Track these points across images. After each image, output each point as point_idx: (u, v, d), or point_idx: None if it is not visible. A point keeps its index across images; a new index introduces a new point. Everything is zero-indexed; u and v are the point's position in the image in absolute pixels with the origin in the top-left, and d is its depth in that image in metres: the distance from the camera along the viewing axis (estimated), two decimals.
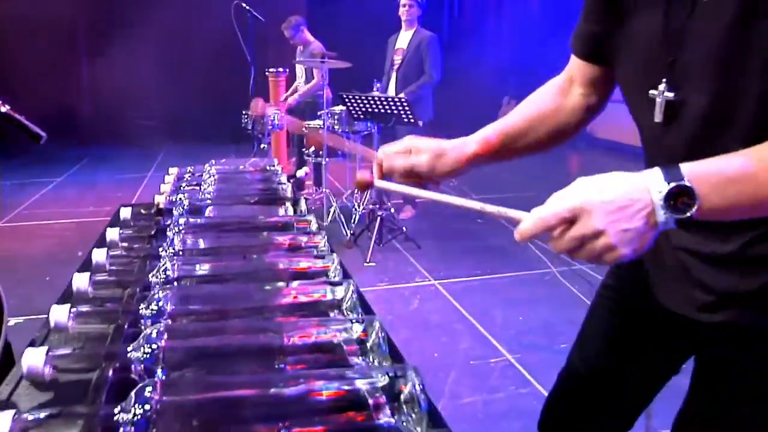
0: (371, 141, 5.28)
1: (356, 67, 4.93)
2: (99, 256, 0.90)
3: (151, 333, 0.65)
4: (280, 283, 0.83)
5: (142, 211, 1.22)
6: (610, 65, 1.09)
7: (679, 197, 0.75)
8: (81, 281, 0.75)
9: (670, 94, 0.92)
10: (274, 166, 1.63)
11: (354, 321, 0.74)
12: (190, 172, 1.58)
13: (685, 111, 0.91)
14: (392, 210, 5.05)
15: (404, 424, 0.56)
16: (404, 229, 4.85)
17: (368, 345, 0.69)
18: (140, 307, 0.72)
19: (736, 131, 0.85)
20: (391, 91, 5.39)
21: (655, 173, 0.77)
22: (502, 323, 3.46)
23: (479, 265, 4.40)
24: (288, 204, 1.30)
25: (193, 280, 0.83)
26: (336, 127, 5.23)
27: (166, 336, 0.65)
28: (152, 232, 1.07)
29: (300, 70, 6.30)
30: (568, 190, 0.79)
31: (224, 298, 0.76)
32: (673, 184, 0.75)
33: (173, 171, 1.58)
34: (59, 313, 0.70)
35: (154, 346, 0.64)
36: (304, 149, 5.62)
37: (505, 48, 10.85)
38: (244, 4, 4.84)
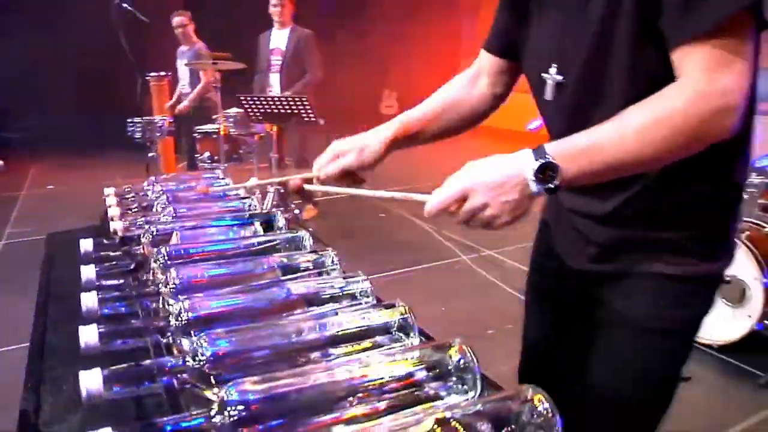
0: (270, 142, 5.16)
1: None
2: (89, 300, 0.79)
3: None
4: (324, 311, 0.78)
5: (104, 241, 1.10)
6: (515, 59, 1.26)
7: (545, 171, 0.90)
8: (90, 335, 0.65)
9: (558, 77, 1.09)
10: (220, 178, 1.53)
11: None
12: (129, 190, 1.44)
13: (568, 90, 1.08)
14: (296, 211, 4.95)
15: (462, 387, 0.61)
16: (309, 229, 4.77)
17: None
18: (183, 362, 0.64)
19: (604, 107, 1.01)
20: (276, 92, 5.26)
21: (527, 153, 0.92)
22: (426, 317, 3.48)
23: (391, 260, 4.41)
24: (257, 222, 1.22)
25: (214, 318, 0.75)
26: (232, 130, 5.04)
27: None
28: (131, 266, 0.96)
29: (183, 72, 6.03)
30: (459, 174, 0.95)
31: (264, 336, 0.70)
32: (540, 161, 0.90)
33: (109, 191, 1.43)
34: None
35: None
36: (197, 155, 5.38)
37: (382, 42, 10.95)
38: (125, 4, 4.53)
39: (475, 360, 0.67)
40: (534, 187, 0.91)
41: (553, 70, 1.09)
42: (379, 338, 0.75)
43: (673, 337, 1.16)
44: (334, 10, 11.81)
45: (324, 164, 1.23)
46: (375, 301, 0.91)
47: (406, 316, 0.81)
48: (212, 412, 0.55)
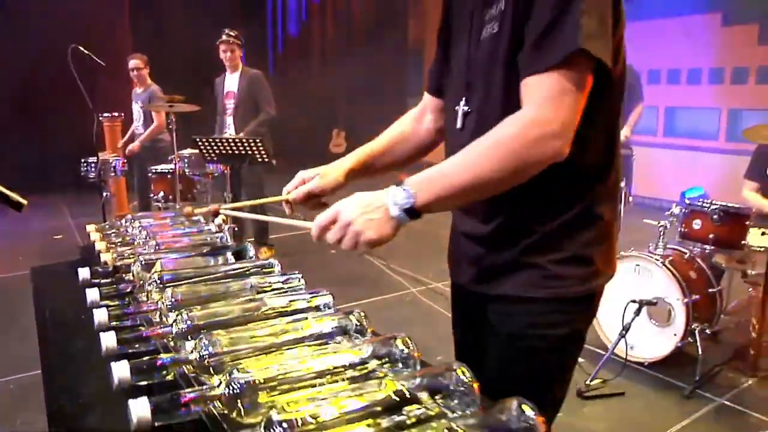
0: (224, 181, 5.29)
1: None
2: (101, 316, 0.94)
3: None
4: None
5: (99, 269, 1.24)
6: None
7: (399, 195, 1.06)
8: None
9: (466, 108, 1.27)
10: (193, 215, 1.69)
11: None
12: (110, 227, 1.59)
13: (472, 118, 1.26)
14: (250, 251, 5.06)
15: (460, 405, 0.73)
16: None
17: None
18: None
19: (487, 128, 1.13)
20: (231, 133, 5.40)
21: (391, 186, 1.09)
22: None
23: (343, 293, 4.55)
24: (229, 252, 1.39)
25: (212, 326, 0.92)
26: (186, 170, 5.17)
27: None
28: (129, 289, 1.11)
29: (137, 112, 6.13)
30: (335, 205, 1.10)
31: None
32: (399, 188, 1.07)
33: (91, 228, 1.58)
34: (121, 370, 0.76)
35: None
36: (151, 194, 5.47)
37: (333, 81, 11.23)
38: (81, 48, 4.65)
39: (414, 348, 0.85)
40: (393, 210, 1.06)
41: (462, 101, 1.28)
42: (339, 338, 0.93)
43: (548, 353, 1.27)
44: (283, 51, 12.12)
45: (291, 189, 1.42)
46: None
47: (361, 320, 0.99)
48: (219, 388, 0.71)
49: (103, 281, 1.19)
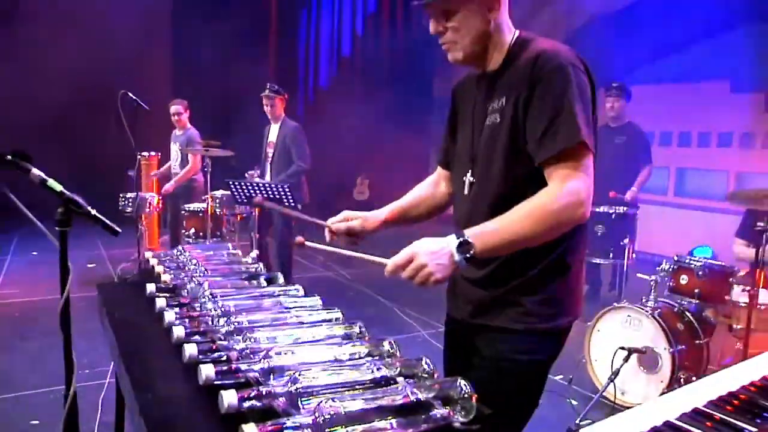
0: (251, 222, 5.67)
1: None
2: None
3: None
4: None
5: (161, 285, 1.59)
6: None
7: (463, 245, 1.37)
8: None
9: (472, 179, 1.64)
10: (231, 249, 2.05)
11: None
12: (164, 255, 1.95)
13: (474, 187, 1.62)
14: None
15: (460, 412, 1.01)
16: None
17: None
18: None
19: (488, 198, 1.57)
20: (268, 179, 5.77)
21: (452, 236, 1.39)
22: None
23: None
24: (263, 278, 1.74)
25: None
26: (217, 210, 5.57)
27: None
28: (187, 301, 1.45)
29: (175, 152, 6.58)
30: (408, 246, 1.39)
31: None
32: (460, 239, 1.37)
33: (149, 254, 1.94)
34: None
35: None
36: (183, 230, 5.86)
37: (358, 130, 11.69)
38: (130, 94, 5.14)
39: (398, 349, 1.16)
40: (457, 256, 1.36)
41: (469, 173, 1.65)
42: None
43: (523, 375, 1.59)
44: (313, 101, 12.70)
45: (335, 222, 1.76)
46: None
47: (393, 347, 1.28)
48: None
49: (164, 294, 1.54)
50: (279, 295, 1.55)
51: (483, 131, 1.61)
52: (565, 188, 1.42)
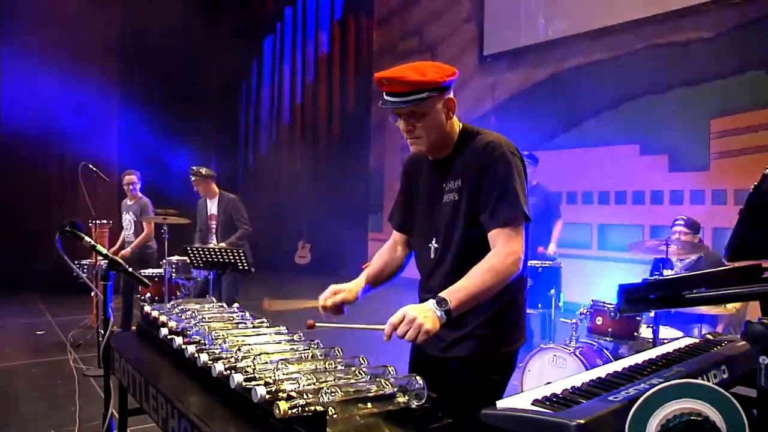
0: (208, 286, 5.96)
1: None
2: (204, 357, 1.65)
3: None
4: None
5: (172, 329, 1.97)
6: (410, 233, 2.28)
7: (440, 302, 1.74)
8: (238, 378, 1.51)
9: (437, 245, 2.05)
10: (215, 302, 2.44)
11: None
12: (161, 308, 2.32)
13: (438, 251, 2.04)
14: None
15: (414, 400, 1.43)
16: None
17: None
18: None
19: (452, 258, 1.99)
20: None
21: (431, 300, 1.77)
22: None
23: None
24: (249, 323, 2.13)
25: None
26: (174, 274, 5.85)
27: None
28: (197, 339, 1.84)
29: (127, 221, 6.84)
30: (399, 310, 1.74)
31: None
32: (438, 298, 1.76)
33: (148, 308, 2.31)
34: (261, 391, 1.45)
35: None
36: (139, 296, 6.09)
37: (298, 196, 12.11)
38: (91, 166, 5.47)
39: (366, 361, 1.60)
40: (437, 311, 1.72)
41: (433, 240, 2.06)
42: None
43: (486, 391, 1.95)
44: (254, 166, 13.07)
45: (327, 297, 2.07)
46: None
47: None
48: None
49: (177, 335, 1.92)
50: (270, 333, 1.95)
51: (442, 206, 2.03)
52: (508, 249, 1.87)
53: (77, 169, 5.78)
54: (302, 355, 1.69)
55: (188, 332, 1.94)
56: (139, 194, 6.75)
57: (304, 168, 12.81)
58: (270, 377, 1.42)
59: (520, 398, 1.36)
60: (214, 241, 6.12)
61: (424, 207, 2.14)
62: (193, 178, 6.09)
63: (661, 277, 1.45)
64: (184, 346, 1.73)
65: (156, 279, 5.99)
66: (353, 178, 12.30)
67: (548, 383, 3.81)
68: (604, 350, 4.22)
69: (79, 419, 4.08)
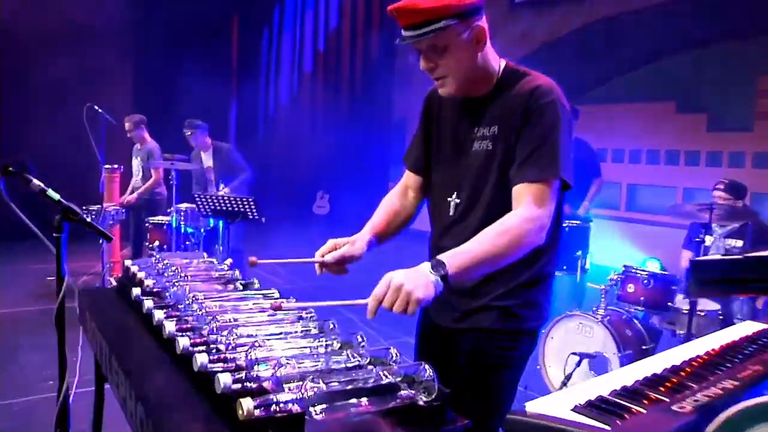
0: (216, 235, 5.74)
1: None
2: (170, 326, 1.37)
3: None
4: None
5: (145, 289, 1.70)
6: (426, 178, 1.91)
7: (437, 266, 1.42)
8: (203, 359, 1.20)
9: (458, 201, 1.75)
10: (205, 257, 2.17)
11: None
12: (143, 263, 2.05)
13: (460, 208, 1.74)
14: None
15: (421, 395, 1.14)
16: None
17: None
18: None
19: (476, 219, 1.68)
20: None
21: (427, 262, 1.45)
22: None
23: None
24: (239, 283, 1.86)
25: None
26: (182, 222, 5.62)
27: None
28: (171, 303, 1.57)
29: (136, 167, 6.61)
30: (383, 277, 1.40)
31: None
32: (434, 260, 1.44)
33: (129, 262, 2.04)
34: (225, 379, 1.09)
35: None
36: (146, 243, 5.90)
37: (318, 145, 11.81)
38: (96, 107, 5.18)
39: (366, 343, 1.31)
40: (432, 276, 1.40)
41: (455, 195, 1.76)
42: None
43: (505, 370, 1.77)
44: (274, 116, 12.77)
45: (325, 252, 1.74)
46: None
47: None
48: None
49: (148, 297, 1.65)
50: (258, 298, 1.68)
51: (471, 156, 1.72)
52: (531, 213, 1.56)
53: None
54: (290, 329, 1.40)
55: (165, 294, 1.67)
56: (147, 139, 6.50)
57: (326, 118, 12.46)
58: (243, 360, 1.14)
59: (555, 400, 1.06)
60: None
61: (446, 154, 1.81)
62: (187, 132, 5.88)
63: (757, 255, 1.13)
64: (153, 311, 1.46)
65: (165, 227, 5.78)
66: (376, 130, 11.97)
67: (573, 354, 3.55)
68: (634, 320, 3.93)
69: (79, 371, 3.91)
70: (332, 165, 11.84)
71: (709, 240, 4.03)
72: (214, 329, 1.32)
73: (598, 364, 3.74)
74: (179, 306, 1.54)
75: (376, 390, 1.10)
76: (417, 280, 1.38)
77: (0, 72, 8.28)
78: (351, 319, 5.72)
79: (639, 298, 3.87)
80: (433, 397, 1.10)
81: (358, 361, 1.19)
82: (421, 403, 1.10)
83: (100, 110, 5.23)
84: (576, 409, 1.02)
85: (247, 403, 0.95)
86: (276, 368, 1.08)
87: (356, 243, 1.78)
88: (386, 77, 12.38)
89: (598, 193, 5.81)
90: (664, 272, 3.90)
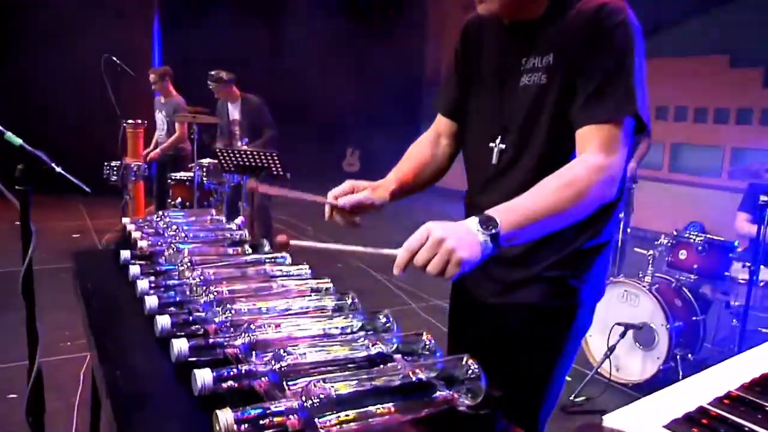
0: (239, 191, 5.53)
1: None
2: (164, 321, 1.12)
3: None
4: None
5: (137, 252, 1.46)
6: (462, 123, 1.59)
7: (487, 223, 1.13)
8: (182, 345, 0.95)
9: (504, 146, 1.44)
10: (214, 215, 1.92)
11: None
12: (143, 221, 1.82)
13: (506, 156, 1.43)
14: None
15: (466, 395, 0.89)
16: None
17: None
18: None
19: (526, 170, 1.38)
20: None
21: (474, 217, 1.16)
22: None
23: None
24: (247, 245, 1.61)
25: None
26: (204, 178, 5.42)
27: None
28: (163, 269, 1.33)
29: (160, 121, 6.41)
30: (421, 227, 1.12)
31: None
32: (483, 215, 1.15)
33: (126, 220, 1.81)
34: (204, 376, 0.86)
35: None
36: (169, 200, 5.72)
37: (351, 103, 11.50)
38: (114, 58, 4.94)
39: (394, 323, 1.05)
40: (480, 235, 1.11)
41: (498, 140, 1.44)
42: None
43: (560, 352, 1.49)
44: (304, 72, 12.42)
45: (340, 194, 1.41)
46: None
47: (389, 320, 1.19)
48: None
49: (140, 262, 1.41)
50: (265, 263, 1.43)
51: (519, 92, 1.40)
52: (601, 161, 1.26)
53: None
54: (300, 305, 1.15)
55: (159, 257, 1.44)
56: (173, 92, 6.27)
57: (356, 71, 12.08)
58: (236, 348, 0.89)
59: (636, 412, 0.80)
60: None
61: (488, 91, 1.49)
62: (211, 85, 5.60)
63: None
64: (138, 281, 1.22)
65: (187, 183, 5.59)
66: (408, 84, 11.61)
67: (618, 324, 3.27)
68: (684, 288, 3.62)
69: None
70: (362, 121, 11.56)
71: None
72: (207, 304, 1.07)
73: (644, 336, 3.46)
74: (173, 273, 1.30)
75: (403, 389, 0.84)
76: (462, 237, 1.10)
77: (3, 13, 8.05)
78: (378, 278, 5.55)
79: (692, 266, 3.55)
80: (480, 401, 0.84)
81: (383, 349, 0.94)
82: (463, 409, 0.84)
83: (117, 61, 4.99)
84: (672, 426, 0.76)
85: (224, 417, 0.70)
86: (274, 362, 0.82)
87: (378, 190, 1.47)
88: (419, 30, 11.95)
89: (646, 154, 5.42)
90: (720, 238, 3.56)
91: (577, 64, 1.31)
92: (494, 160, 1.46)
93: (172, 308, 1.11)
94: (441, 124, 1.66)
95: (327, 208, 1.45)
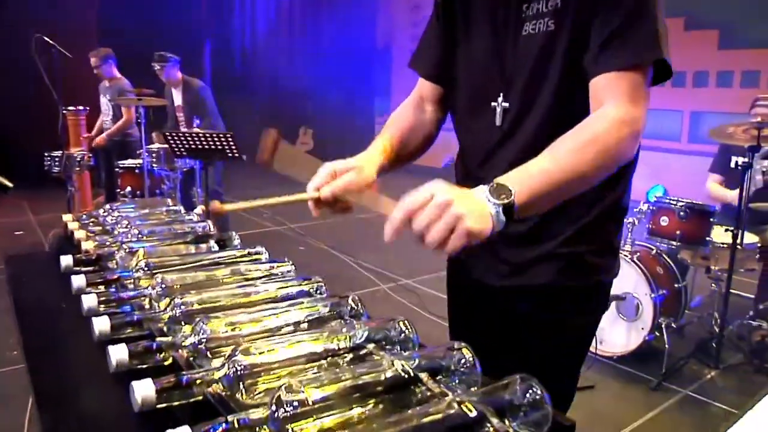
0: (193, 177, 5.23)
1: None
2: (90, 301, 0.92)
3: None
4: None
5: (81, 257, 1.21)
6: (450, 85, 1.38)
7: (499, 192, 0.95)
8: (103, 324, 0.79)
9: (507, 105, 1.25)
10: (171, 205, 1.68)
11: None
12: (88, 217, 1.56)
13: (510, 115, 1.24)
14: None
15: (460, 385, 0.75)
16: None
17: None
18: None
19: (534, 130, 1.21)
20: None
21: (482, 186, 0.97)
22: None
23: None
24: (212, 240, 1.38)
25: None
26: (155, 165, 5.09)
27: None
28: (114, 277, 1.09)
29: (106, 106, 6.02)
30: (424, 186, 0.94)
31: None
32: (493, 183, 0.96)
33: (68, 217, 1.55)
34: (119, 352, 0.75)
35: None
36: (118, 189, 5.38)
37: (298, 79, 11.17)
38: (46, 38, 4.54)
39: (413, 331, 0.85)
40: (490, 205, 0.93)
41: (500, 98, 1.25)
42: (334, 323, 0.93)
43: (579, 336, 1.36)
44: (251, 48, 12.02)
45: (322, 184, 1.15)
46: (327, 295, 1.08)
47: (357, 305, 0.99)
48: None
49: (85, 269, 1.17)
50: (237, 262, 1.20)
51: (521, 42, 1.20)
52: (624, 114, 1.07)
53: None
54: (295, 318, 0.92)
55: (108, 260, 1.20)
56: (116, 75, 5.89)
57: (305, 48, 11.73)
58: (217, 383, 0.68)
59: None
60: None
61: (483, 43, 1.27)
62: (156, 66, 5.28)
63: None
64: (83, 296, 0.98)
65: (137, 171, 5.25)
66: (359, 60, 11.32)
67: None
68: (663, 255, 3.52)
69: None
70: (314, 98, 11.25)
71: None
72: (174, 321, 0.85)
73: (627, 307, 3.36)
74: (126, 282, 1.06)
75: (441, 424, 0.64)
76: (471, 204, 0.91)
77: None
78: (343, 260, 5.34)
79: (674, 232, 3.44)
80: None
81: (404, 376, 0.73)
82: None
83: (50, 41, 4.59)
84: None
85: None
86: (230, 367, 0.62)
87: (364, 170, 1.19)
88: (369, 3, 11.64)
89: None
90: (701, 203, 3.47)
91: (590, 5, 1.12)
92: (498, 122, 1.26)
93: (128, 329, 0.88)
94: (424, 87, 1.44)
95: (311, 204, 1.18)
